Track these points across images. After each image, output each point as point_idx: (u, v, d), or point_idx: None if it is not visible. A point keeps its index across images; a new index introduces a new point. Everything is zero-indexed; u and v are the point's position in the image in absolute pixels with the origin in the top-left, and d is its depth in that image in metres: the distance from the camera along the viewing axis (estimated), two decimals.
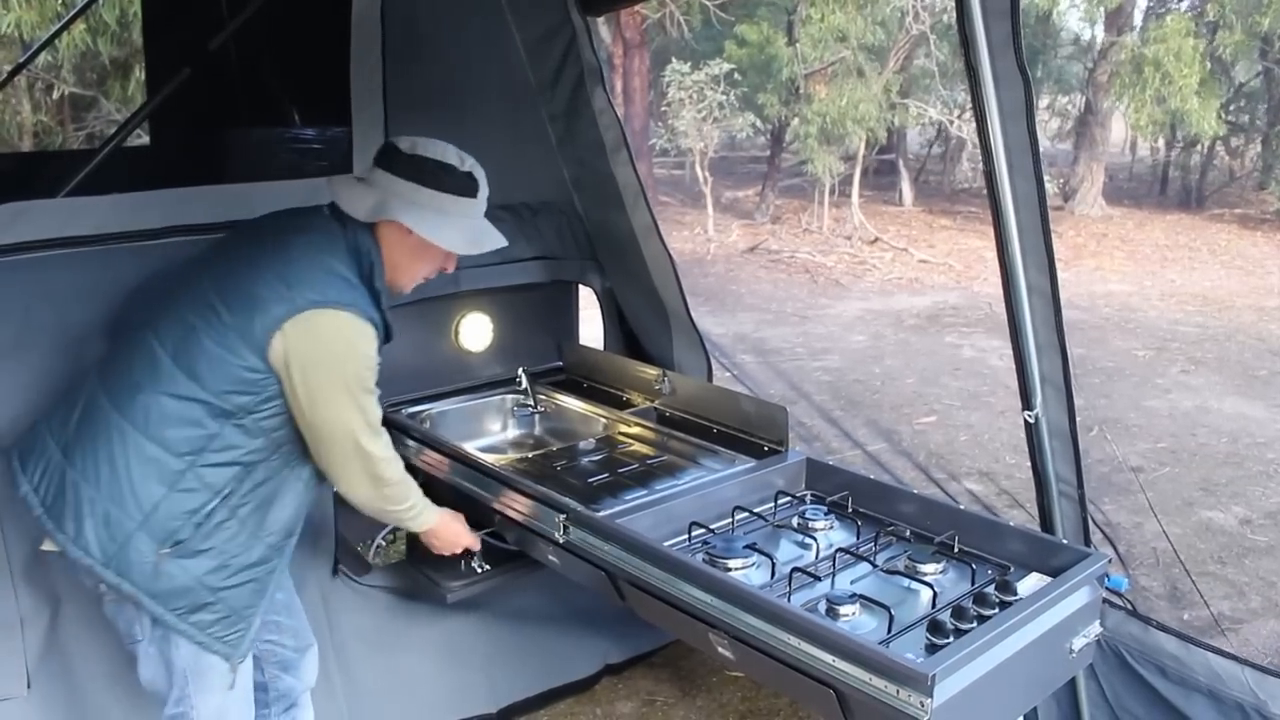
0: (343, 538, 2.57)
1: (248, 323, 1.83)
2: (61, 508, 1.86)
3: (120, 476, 1.83)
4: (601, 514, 2.08)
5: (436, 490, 2.47)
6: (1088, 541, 2.32)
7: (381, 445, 1.98)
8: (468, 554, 2.35)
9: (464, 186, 1.98)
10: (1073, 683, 2.38)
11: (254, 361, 1.83)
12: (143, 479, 1.83)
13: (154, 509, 1.83)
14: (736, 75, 12.14)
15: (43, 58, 8.66)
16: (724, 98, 11.81)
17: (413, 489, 2.11)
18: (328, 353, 1.86)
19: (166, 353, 1.86)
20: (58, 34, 6.82)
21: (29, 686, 2.14)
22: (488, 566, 2.41)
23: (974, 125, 2.10)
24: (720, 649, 1.85)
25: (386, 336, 1.97)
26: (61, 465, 1.87)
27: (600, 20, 3.04)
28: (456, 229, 1.98)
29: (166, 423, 1.84)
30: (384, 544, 2.58)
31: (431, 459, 2.53)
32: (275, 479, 1.95)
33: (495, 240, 2.05)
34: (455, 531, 2.28)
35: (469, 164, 1.99)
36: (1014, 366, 2.20)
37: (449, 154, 1.97)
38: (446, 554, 2.31)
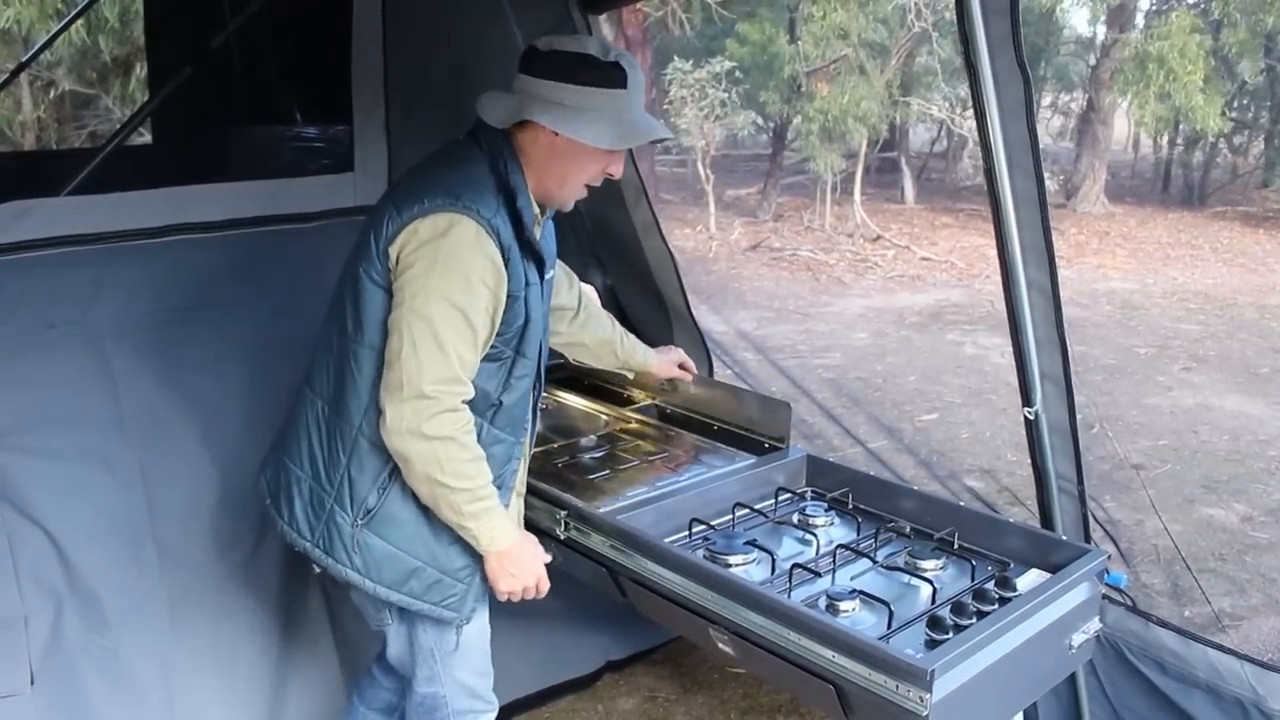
0: None
1: (370, 250, 1.76)
2: (278, 493, 1.93)
3: (317, 451, 1.86)
4: (602, 510, 2.09)
5: None
6: (1088, 538, 2.33)
7: (447, 390, 1.70)
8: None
9: (608, 78, 1.76)
10: (1072, 678, 2.39)
11: (379, 293, 1.75)
12: (331, 449, 1.84)
13: (342, 480, 1.82)
14: (738, 73, 12.13)
15: (43, 56, 8.67)
16: (726, 95, 11.79)
17: (479, 470, 1.78)
18: (424, 249, 1.69)
19: (335, 321, 1.84)
20: (60, 32, 6.83)
21: (32, 683, 2.15)
22: None
23: (974, 122, 2.11)
24: (721, 645, 1.86)
25: (532, 254, 1.80)
26: (280, 451, 1.94)
27: (602, 18, 3.05)
28: (604, 123, 1.76)
29: (341, 384, 1.81)
30: None
31: None
32: None
33: (652, 130, 1.81)
34: (532, 558, 1.91)
35: (614, 55, 1.77)
36: (1015, 364, 2.20)
37: (589, 45, 1.78)
38: (517, 594, 1.92)
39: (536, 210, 1.87)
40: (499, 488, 1.85)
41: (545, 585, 1.94)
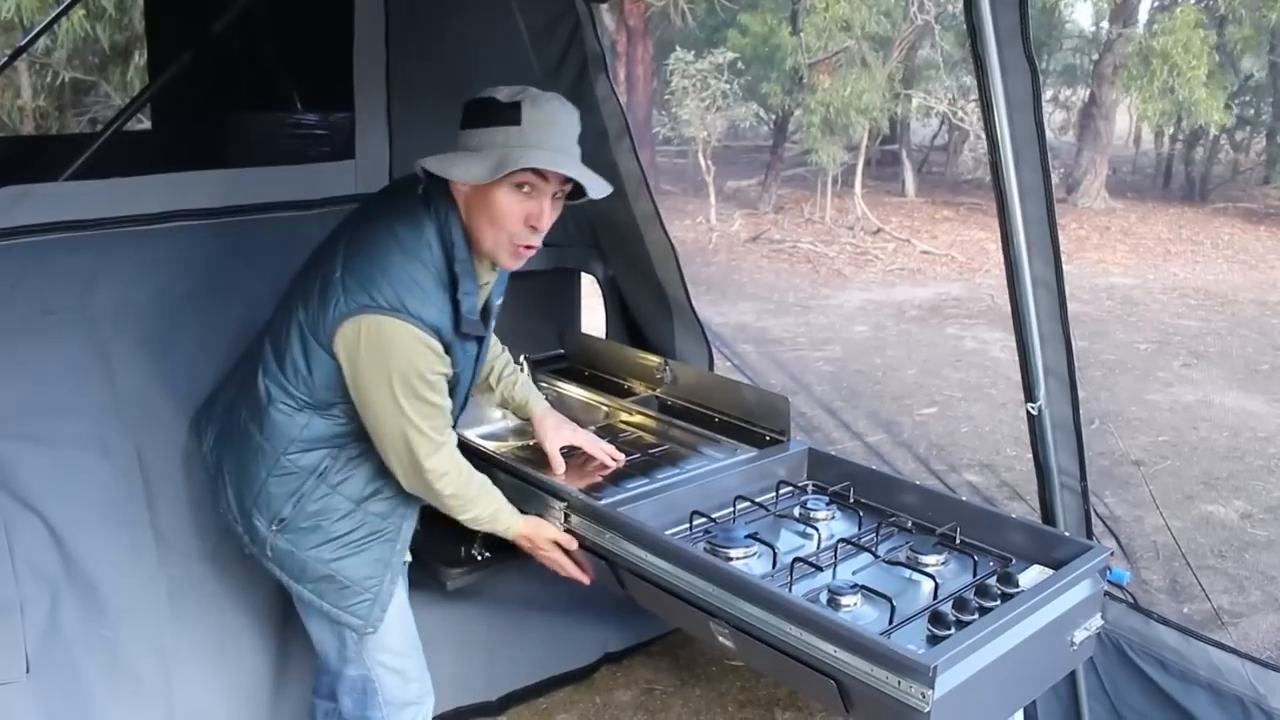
0: None
1: (320, 320, 1.80)
2: (218, 474, 2.05)
3: (241, 456, 1.97)
4: (603, 502, 2.08)
5: None
6: (1090, 534, 2.32)
7: (439, 458, 1.88)
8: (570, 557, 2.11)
9: (500, 116, 1.74)
10: (1072, 675, 2.38)
11: (327, 359, 1.82)
12: (251, 462, 1.94)
13: (260, 490, 1.94)
14: (740, 64, 12.10)
15: (42, 43, 8.65)
16: (727, 87, 11.77)
17: (478, 500, 2.00)
18: (372, 358, 1.78)
19: (269, 340, 1.93)
20: (57, 18, 6.82)
21: (28, 671, 2.14)
22: (488, 554, 2.41)
23: (977, 116, 2.09)
24: (721, 638, 1.85)
25: (472, 336, 1.87)
26: (219, 435, 2.05)
27: (604, 7, 3.03)
28: (482, 160, 1.73)
29: (264, 411, 1.90)
30: None
31: None
32: (374, 454, 1.93)
33: (542, 160, 1.73)
34: (535, 544, 2.09)
35: (521, 96, 1.75)
36: (1016, 358, 2.19)
37: (501, 90, 1.77)
38: (541, 559, 2.12)
39: (481, 280, 1.90)
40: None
41: (564, 565, 2.10)
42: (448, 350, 1.83)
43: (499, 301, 2.09)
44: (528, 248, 1.84)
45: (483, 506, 2.01)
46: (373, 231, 1.84)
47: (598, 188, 1.82)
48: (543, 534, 2.08)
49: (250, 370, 1.97)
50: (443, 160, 1.78)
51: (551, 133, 1.76)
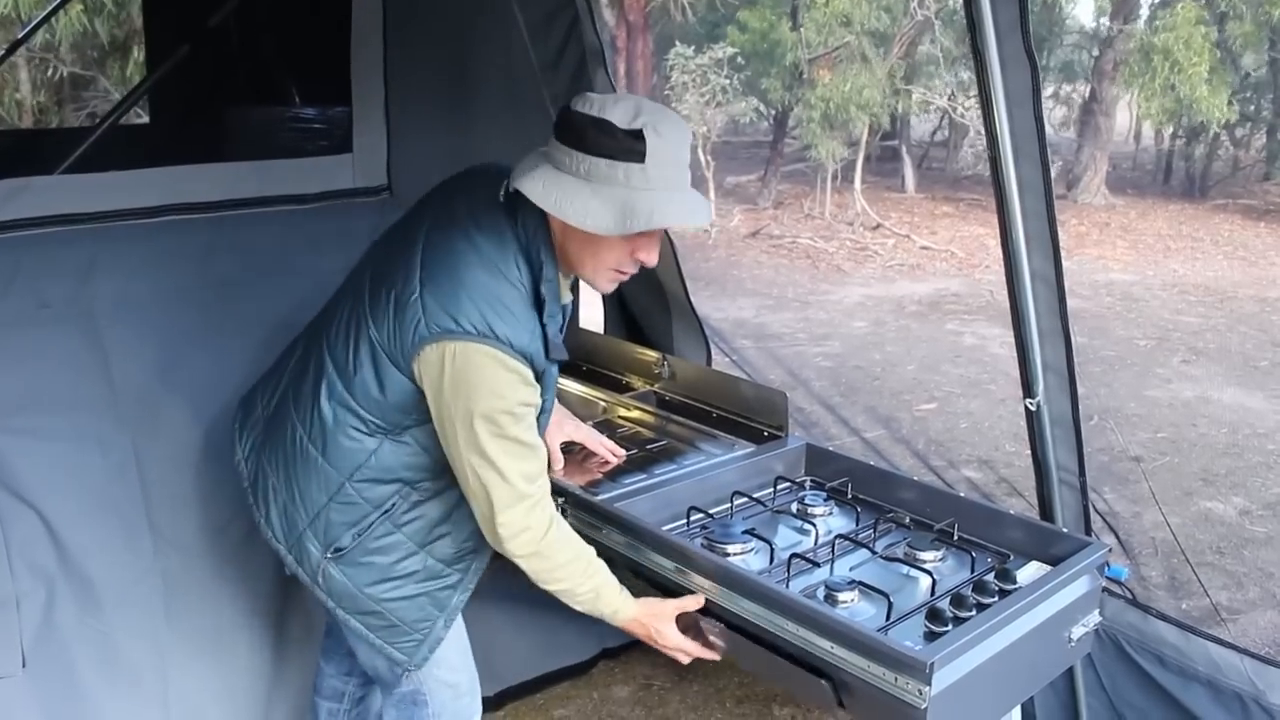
0: None
1: (396, 341, 1.67)
2: (256, 486, 1.91)
3: (293, 476, 1.83)
4: (600, 498, 2.07)
5: None
6: (1088, 530, 2.31)
7: (517, 512, 1.70)
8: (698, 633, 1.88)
9: (621, 149, 1.55)
10: (1070, 671, 2.38)
11: (403, 380, 1.69)
12: (308, 484, 1.81)
13: (318, 514, 1.81)
14: (740, 59, 12.08)
15: (41, 39, 8.65)
16: (727, 82, 11.75)
17: (569, 571, 1.79)
18: (456, 388, 1.62)
19: (329, 357, 1.78)
20: (53, 13, 6.82)
21: (24, 665, 2.13)
22: None
23: (977, 111, 2.08)
24: (711, 637, 1.85)
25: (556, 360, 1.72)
26: (260, 445, 1.90)
27: (604, 2, 3.02)
28: (603, 201, 1.56)
29: (328, 433, 1.77)
30: None
31: None
32: (443, 497, 1.83)
33: (667, 214, 1.57)
34: (653, 631, 1.85)
35: (642, 120, 1.55)
36: (1015, 354, 2.18)
37: (616, 109, 1.57)
38: (664, 651, 1.89)
39: (564, 300, 1.77)
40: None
41: (690, 651, 1.87)
42: (538, 378, 1.69)
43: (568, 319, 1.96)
44: (623, 271, 1.73)
45: (579, 580, 1.80)
46: (450, 242, 1.68)
47: (710, 216, 1.71)
48: (663, 612, 1.85)
49: (304, 385, 1.82)
50: (548, 190, 1.59)
51: (680, 173, 1.61)
